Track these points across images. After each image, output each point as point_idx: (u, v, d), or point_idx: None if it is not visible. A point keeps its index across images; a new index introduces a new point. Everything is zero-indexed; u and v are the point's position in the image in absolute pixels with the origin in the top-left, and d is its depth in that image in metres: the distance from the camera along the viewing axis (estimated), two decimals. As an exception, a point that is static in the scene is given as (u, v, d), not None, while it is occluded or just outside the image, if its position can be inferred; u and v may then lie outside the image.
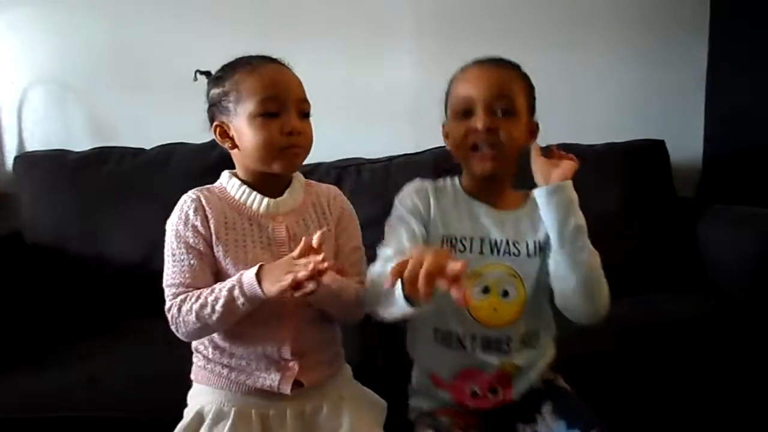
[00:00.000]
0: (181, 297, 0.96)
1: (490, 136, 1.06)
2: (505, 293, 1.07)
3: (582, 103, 2.04)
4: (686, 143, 2.05)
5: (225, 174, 1.07)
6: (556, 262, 1.05)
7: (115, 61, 1.97)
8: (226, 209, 1.02)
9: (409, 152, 1.88)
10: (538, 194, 1.07)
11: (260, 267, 0.92)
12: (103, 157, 1.79)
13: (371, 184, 1.80)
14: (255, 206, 1.03)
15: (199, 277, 0.98)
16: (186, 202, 1.02)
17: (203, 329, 0.96)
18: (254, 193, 1.03)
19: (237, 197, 1.03)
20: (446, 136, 1.16)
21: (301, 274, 0.85)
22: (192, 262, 0.98)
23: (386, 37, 2.01)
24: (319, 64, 2.02)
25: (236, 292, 0.92)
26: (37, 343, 1.48)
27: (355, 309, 1.03)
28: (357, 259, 1.09)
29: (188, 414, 1.01)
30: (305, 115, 1.03)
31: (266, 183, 1.04)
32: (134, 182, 1.74)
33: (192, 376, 1.05)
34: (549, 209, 1.05)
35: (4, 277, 1.63)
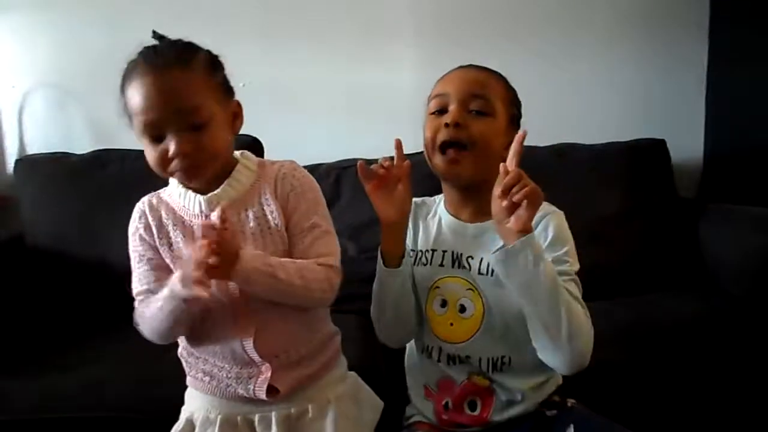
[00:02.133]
0: (141, 304, 0.95)
1: (459, 132, 1.01)
2: (462, 308, 1.03)
3: (582, 103, 2.04)
4: (687, 143, 2.04)
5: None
6: (529, 319, 0.95)
7: (115, 64, 1.94)
8: (167, 213, 0.98)
9: (408, 152, 1.87)
10: (494, 263, 0.96)
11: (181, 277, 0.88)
12: (103, 159, 1.80)
13: (372, 185, 1.79)
14: (191, 206, 0.96)
15: (154, 282, 0.95)
16: (136, 210, 1.01)
17: (164, 333, 0.94)
18: (188, 192, 0.96)
19: (177, 199, 0.98)
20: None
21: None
22: (145, 268, 0.97)
23: (386, 37, 2.01)
24: (318, 64, 2.03)
25: (169, 294, 0.87)
26: (38, 346, 1.48)
27: (313, 290, 0.92)
28: (315, 238, 0.96)
29: (180, 418, 1.01)
30: (198, 126, 0.89)
31: (203, 181, 0.96)
32: (135, 185, 1.68)
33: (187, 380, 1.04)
34: (511, 278, 0.93)
35: (6, 280, 1.63)
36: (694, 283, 1.74)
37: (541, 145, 1.79)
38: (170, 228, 0.97)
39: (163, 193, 1.01)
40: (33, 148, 1.98)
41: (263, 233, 0.95)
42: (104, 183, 1.75)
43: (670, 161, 1.90)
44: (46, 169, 1.80)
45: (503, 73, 1.12)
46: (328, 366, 1.02)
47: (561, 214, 1.04)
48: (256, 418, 0.97)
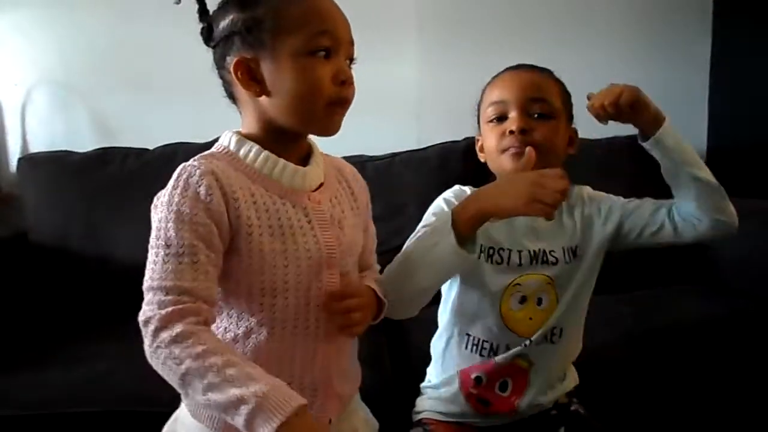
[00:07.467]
0: (182, 327, 0.69)
1: (525, 138, 1.00)
2: (539, 301, 1.04)
3: (585, 98, 2.03)
4: (690, 137, 2.01)
5: (230, 136, 0.80)
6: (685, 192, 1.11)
7: (119, 61, 1.97)
8: (249, 184, 0.77)
9: (412, 148, 1.88)
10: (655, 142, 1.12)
11: (299, 410, 0.65)
12: (106, 157, 1.80)
13: (374, 181, 1.77)
14: (285, 179, 0.78)
15: (202, 280, 0.70)
16: (192, 176, 0.73)
17: (176, 384, 0.72)
18: (281, 161, 0.78)
19: (258, 167, 0.78)
20: (480, 149, 1.10)
21: None
22: (198, 258, 0.70)
23: (389, 33, 2.00)
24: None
25: (245, 412, 0.65)
26: (41, 342, 1.49)
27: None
28: (373, 242, 0.99)
29: None
30: (351, 62, 0.83)
31: (284, 147, 0.80)
32: (138, 182, 1.74)
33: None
34: (672, 154, 1.13)
35: (10, 278, 1.64)
36: (697, 278, 1.74)
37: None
38: (271, 204, 0.77)
39: (223, 158, 0.79)
40: (36, 146, 1.98)
41: (353, 213, 0.90)
42: (107, 180, 1.76)
43: (673, 156, 1.90)
44: (50, 167, 1.80)
45: (504, 67, 1.12)
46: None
47: (585, 187, 1.13)
48: None
